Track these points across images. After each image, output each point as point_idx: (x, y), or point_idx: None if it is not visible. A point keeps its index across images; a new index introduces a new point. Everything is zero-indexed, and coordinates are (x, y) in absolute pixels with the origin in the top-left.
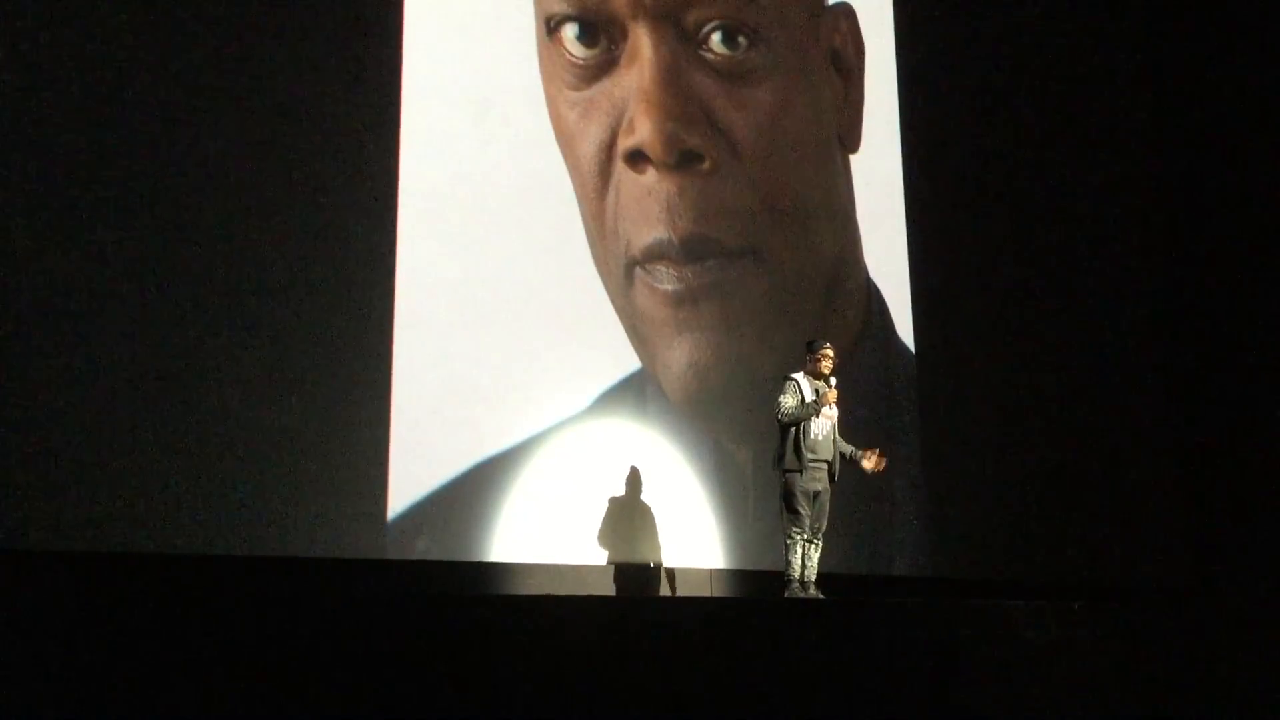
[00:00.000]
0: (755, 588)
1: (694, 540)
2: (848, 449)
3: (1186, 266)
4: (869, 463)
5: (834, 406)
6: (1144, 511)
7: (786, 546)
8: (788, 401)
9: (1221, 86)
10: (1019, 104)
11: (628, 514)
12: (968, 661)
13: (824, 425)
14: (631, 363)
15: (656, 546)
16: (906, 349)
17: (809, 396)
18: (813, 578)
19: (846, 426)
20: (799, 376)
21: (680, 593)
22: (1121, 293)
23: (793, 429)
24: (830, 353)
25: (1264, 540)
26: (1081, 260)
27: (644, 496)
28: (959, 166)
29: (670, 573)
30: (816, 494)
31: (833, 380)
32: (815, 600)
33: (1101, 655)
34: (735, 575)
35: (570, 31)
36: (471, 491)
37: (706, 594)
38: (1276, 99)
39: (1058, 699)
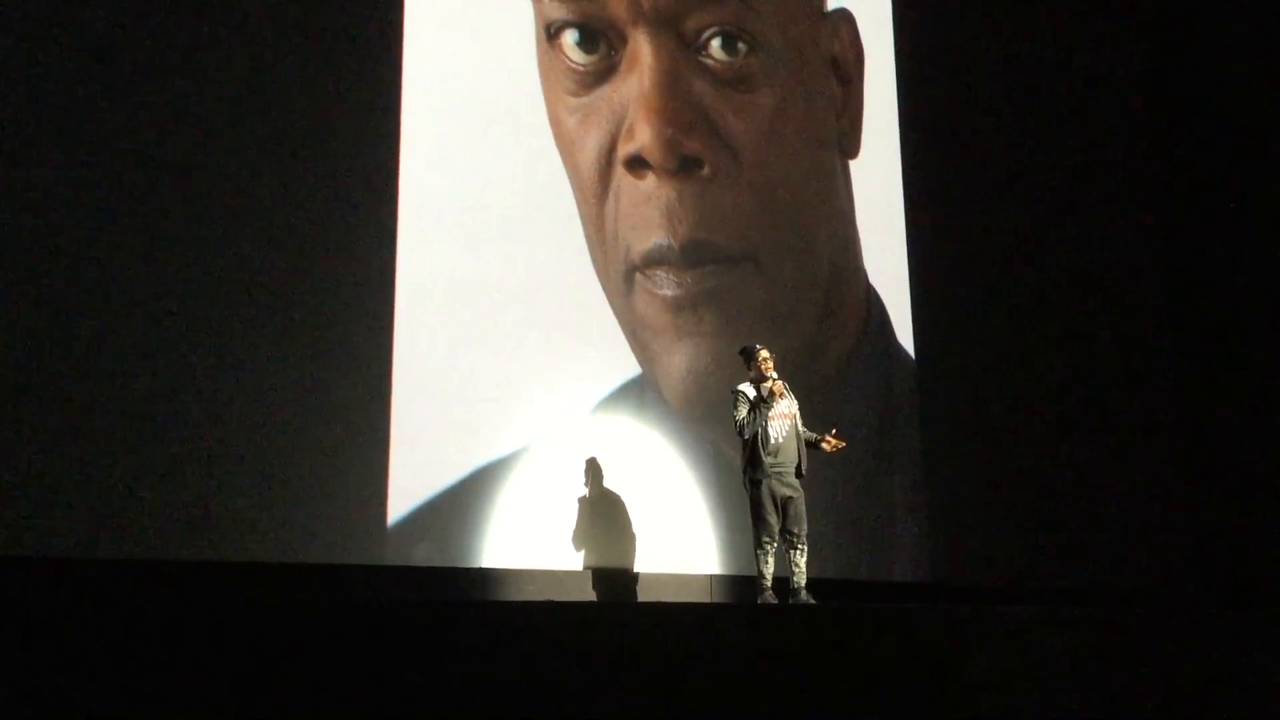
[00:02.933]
0: (755, 594)
1: (694, 546)
2: (811, 436)
3: (1190, 268)
4: (828, 445)
5: (785, 399)
6: (1147, 517)
7: (757, 556)
8: (741, 413)
9: (1223, 90)
10: (1019, 109)
11: (596, 510)
12: (968, 668)
13: (783, 427)
14: (631, 368)
15: (630, 536)
16: (906, 354)
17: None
18: (803, 583)
19: (846, 433)
20: (745, 387)
21: (680, 599)
22: (1124, 297)
23: (753, 438)
24: (766, 353)
25: (1269, 545)
26: (1083, 264)
27: (608, 485)
28: (959, 172)
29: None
30: (788, 499)
31: (775, 377)
32: (815, 606)
33: (1103, 661)
34: (736, 581)
35: (570, 38)
36: (472, 497)
37: (707, 599)
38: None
39: (1060, 706)
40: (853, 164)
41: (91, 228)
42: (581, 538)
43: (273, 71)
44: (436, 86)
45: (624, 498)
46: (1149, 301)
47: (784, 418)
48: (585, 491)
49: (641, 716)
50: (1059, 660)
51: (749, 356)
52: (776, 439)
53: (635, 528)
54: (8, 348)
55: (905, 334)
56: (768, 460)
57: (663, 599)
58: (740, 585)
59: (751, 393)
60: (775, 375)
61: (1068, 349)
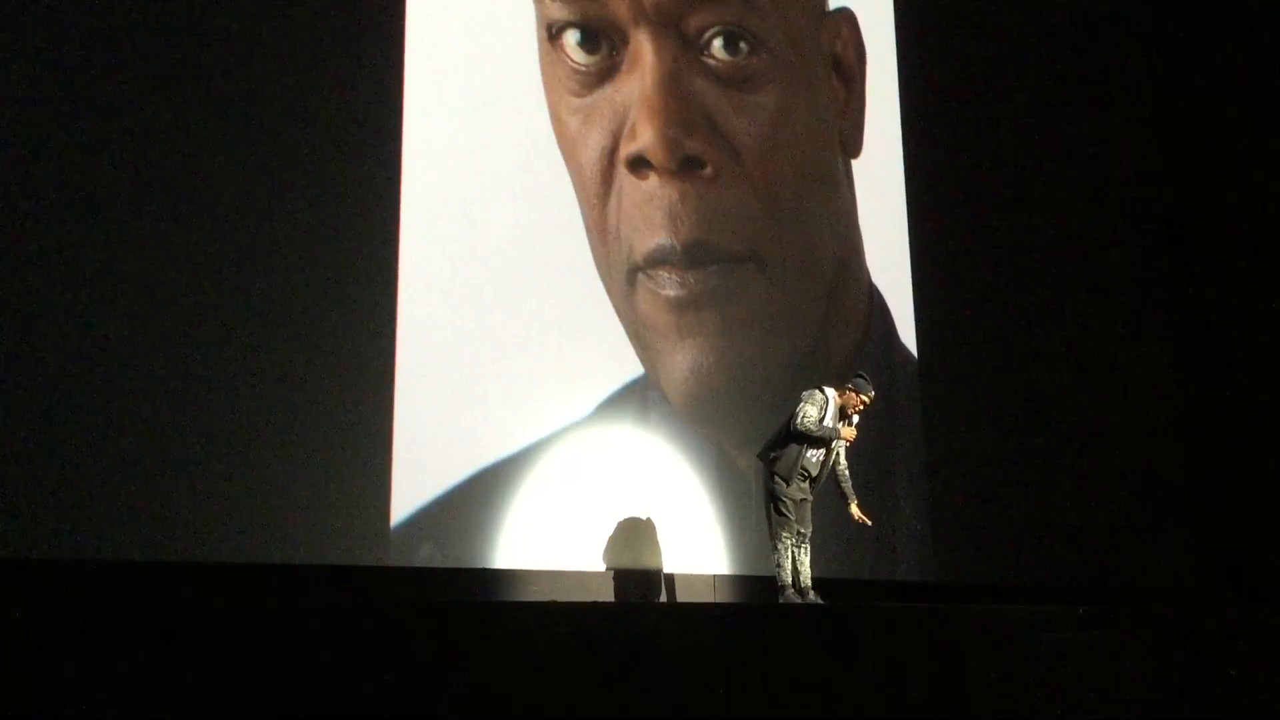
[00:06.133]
0: (758, 593)
1: (696, 546)
2: (845, 484)
3: (1191, 266)
4: (853, 514)
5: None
6: (1149, 515)
7: (776, 550)
8: (812, 414)
9: (1226, 92)
10: (1021, 108)
11: (633, 544)
12: (972, 667)
13: (820, 451)
14: (634, 368)
15: (656, 560)
16: (909, 353)
17: (829, 421)
18: (809, 582)
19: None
20: (831, 394)
21: (683, 599)
22: (1125, 296)
23: (799, 440)
24: (869, 398)
25: (1269, 543)
26: (1085, 264)
27: (658, 539)
28: (961, 170)
29: (670, 579)
30: (802, 500)
31: (855, 419)
32: (818, 606)
33: (1107, 660)
34: (738, 581)
35: (572, 38)
36: (474, 499)
37: (710, 599)
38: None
39: (1063, 704)
40: (855, 163)
41: (92, 229)
42: (611, 557)
43: (275, 72)
44: (438, 86)
45: (657, 526)
46: (1150, 300)
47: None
48: (629, 518)
49: (645, 716)
50: (1062, 658)
51: (857, 388)
52: (816, 455)
53: (663, 558)
54: (7, 349)
55: (908, 333)
56: (801, 463)
57: (666, 599)
58: (743, 585)
59: (833, 410)
60: (856, 421)
61: (1069, 348)
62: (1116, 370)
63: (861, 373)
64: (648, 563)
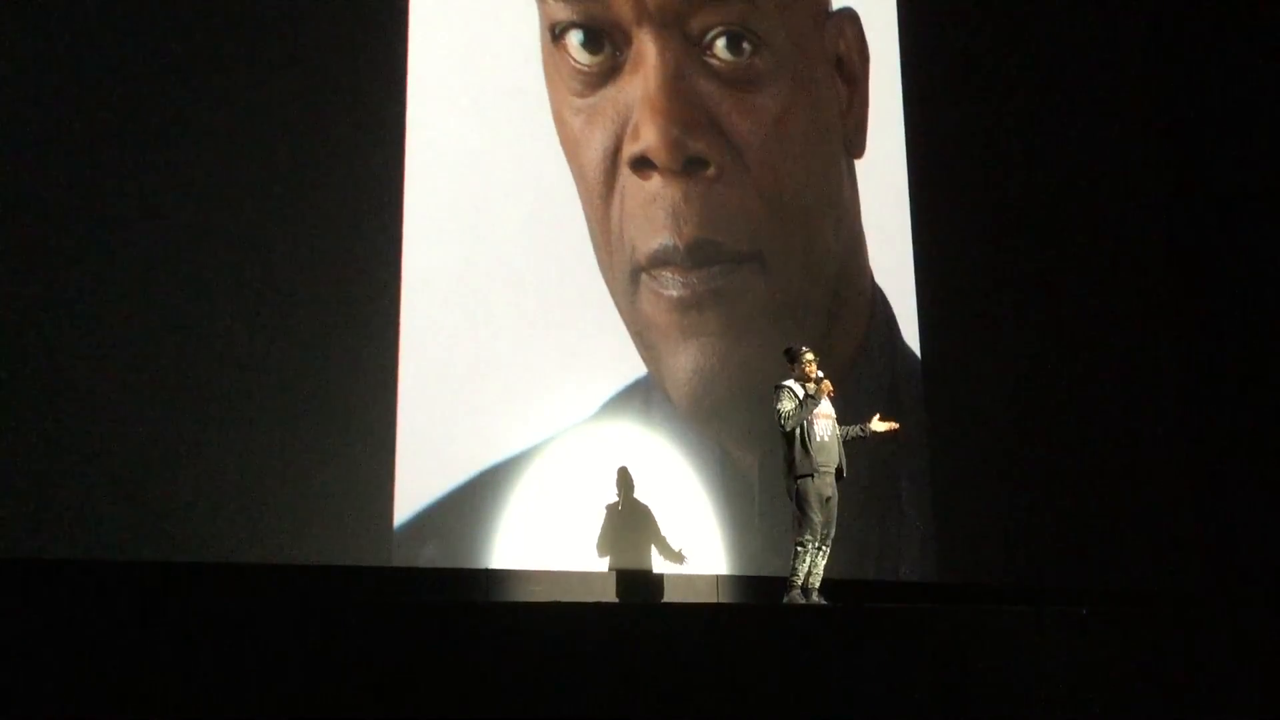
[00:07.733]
0: (762, 594)
1: (700, 546)
2: (854, 430)
3: (1198, 266)
4: (880, 425)
5: (829, 401)
6: (1153, 516)
7: (795, 553)
8: (786, 406)
9: (1230, 89)
10: (1024, 108)
11: (625, 518)
12: (975, 668)
13: (825, 427)
14: (637, 369)
15: (662, 544)
16: (912, 354)
17: (802, 395)
18: (817, 584)
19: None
20: (790, 382)
21: (687, 599)
22: (1130, 297)
23: (798, 433)
24: (811, 355)
25: (1273, 544)
26: (1089, 264)
27: (637, 495)
28: (964, 171)
29: (669, 581)
30: (828, 499)
31: (820, 374)
32: (820, 606)
33: (1110, 661)
34: (741, 581)
35: (575, 38)
36: (478, 498)
37: (713, 600)
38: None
39: (1065, 705)
40: (858, 163)
41: (95, 230)
42: (606, 546)
43: (279, 75)
44: (441, 87)
45: (652, 508)
46: (1154, 299)
47: (826, 418)
48: (615, 499)
49: (647, 717)
50: (1065, 659)
51: (793, 357)
52: (821, 438)
53: (661, 535)
54: (12, 349)
55: (911, 332)
56: (815, 458)
57: (669, 599)
58: (747, 586)
59: (799, 389)
60: (821, 375)
61: (1073, 348)
62: (1121, 370)
63: (786, 349)
64: (644, 543)
